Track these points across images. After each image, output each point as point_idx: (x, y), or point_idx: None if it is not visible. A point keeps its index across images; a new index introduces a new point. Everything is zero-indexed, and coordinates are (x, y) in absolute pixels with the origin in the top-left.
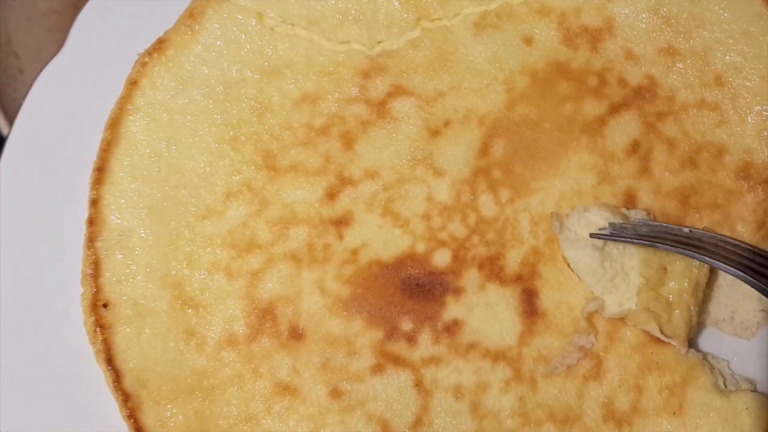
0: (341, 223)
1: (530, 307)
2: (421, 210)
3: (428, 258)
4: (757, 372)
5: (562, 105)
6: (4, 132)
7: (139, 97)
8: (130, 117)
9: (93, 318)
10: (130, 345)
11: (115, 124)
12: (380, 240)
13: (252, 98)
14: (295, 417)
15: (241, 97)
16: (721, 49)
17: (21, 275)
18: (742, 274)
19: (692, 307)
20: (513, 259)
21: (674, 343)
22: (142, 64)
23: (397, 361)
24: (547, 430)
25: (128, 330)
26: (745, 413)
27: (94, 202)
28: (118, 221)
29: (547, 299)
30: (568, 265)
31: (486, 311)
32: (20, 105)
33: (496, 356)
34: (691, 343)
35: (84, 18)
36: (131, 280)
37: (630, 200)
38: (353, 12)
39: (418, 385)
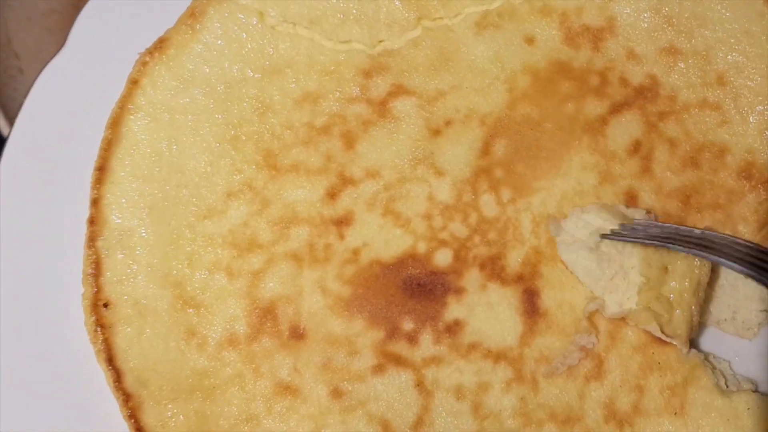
0: (342, 222)
1: (531, 307)
2: (423, 210)
3: (429, 258)
4: (759, 372)
5: (564, 104)
6: (5, 132)
7: (140, 97)
8: (131, 116)
9: (94, 318)
10: (130, 345)
11: (116, 123)
12: (381, 240)
13: (253, 97)
14: (296, 417)
15: (242, 96)
16: (723, 48)
17: (21, 275)
18: (756, 275)
19: (693, 307)
20: (514, 259)
21: (675, 343)
22: (143, 64)
23: (398, 361)
24: (549, 430)
25: (129, 330)
26: (747, 414)
27: (95, 202)
28: (119, 221)
29: (548, 299)
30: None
31: (487, 311)
32: (20, 105)
33: (498, 356)
34: (693, 343)
35: (84, 18)
36: (132, 280)
37: (631, 200)
38: (354, 11)
39: (419, 385)
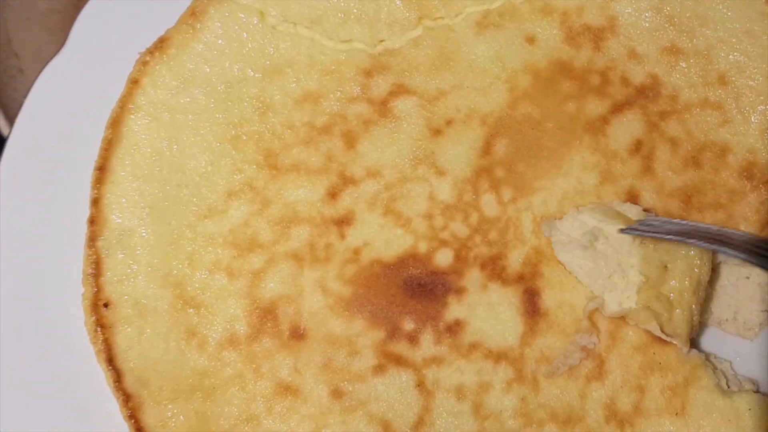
0: (343, 222)
1: (532, 307)
2: (423, 209)
3: (430, 258)
4: (760, 372)
5: (565, 104)
6: (5, 132)
7: (140, 96)
8: (132, 116)
9: (94, 318)
10: (131, 345)
11: (116, 123)
12: (382, 239)
13: (254, 97)
14: (297, 417)
15: (242, 96)
16: (724, 48)
17: (21, 275)
18: None
19: (694, 306)
20: (515, 259)
21: (675, 342)
22: (143, 63)
23: (399, 361)
24: (549, 430)
25: (129, 330)
26: (748, 414)
27: (96, 202)
28: (120, 220)
29: (548, 299)
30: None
31: (488, 311)
32: (20, 105)
33: (498, 356)
34: (694, 343)
35: (84, 17)
36: (132, 280)
37: (632, 200)
38: (355, 11)
39: (420, 385)
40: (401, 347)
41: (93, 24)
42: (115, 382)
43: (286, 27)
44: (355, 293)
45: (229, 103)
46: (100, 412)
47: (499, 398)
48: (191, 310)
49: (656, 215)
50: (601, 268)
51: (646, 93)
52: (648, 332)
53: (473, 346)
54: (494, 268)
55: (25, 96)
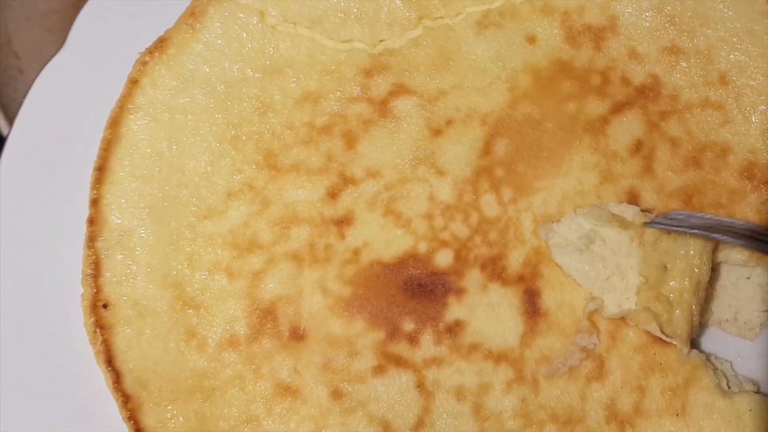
0: (343, 222)
1: (532, 307)
2: (423, 210)
3: (430, 258)
4: (761, 373)
5: (565, 104)
6: (4, 132)
7: (139, 96)
8: (131, 116)
9: (93, 319)
10: (130, 346)
11: (115, 123)
12: (382, 240)
13: (253, 97)
14: (296, 418)
15: (242, 96)
16: (725, 47)
17: (21, 275)
18: None
19: (694, 307)
20: (515, 260)
21: (676, 343)
22: (142, 63)
23: (399, 362)
24: (550, 431)
25: (128, 330)
26: (749, 415)
27: (95, 202)
28: (119, 221)
29: (549, 299)
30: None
31: (488, 312)
32: (20, 105)
33: (498, 357)
34: (694, 343)
35: (84, 17)
36: (132, 281)
37: (633, 200)
38: (355, 11)
39: (420, 386)
40: (401, 348)
41: (93, 24)
42: (114, 383)
43: (286, 27)
44: (354, 294)
45: (229, 103)
46: (100, 412)
47: (499, 399)
48: (191, 311)
49: (657, 215)
50: (599, 270)
51: (646, 93)
52: (648, 333)
53: (473, 347)
54: (494, 269)
55: (25, 96)
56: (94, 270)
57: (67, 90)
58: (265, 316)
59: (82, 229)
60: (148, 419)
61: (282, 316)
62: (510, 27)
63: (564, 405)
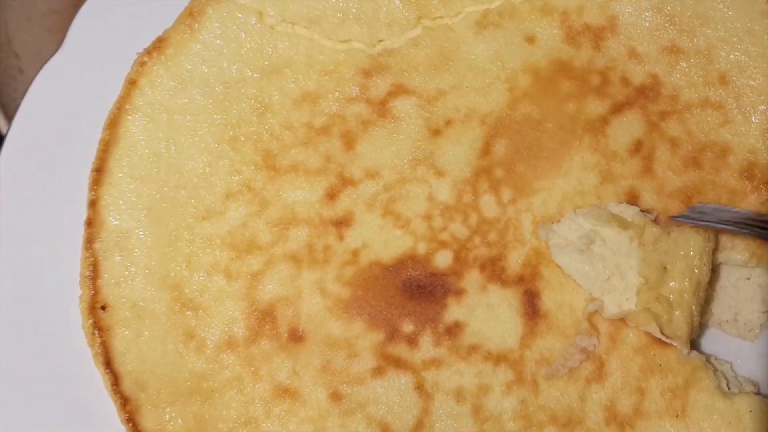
0: (342, 223)
1: (532, 308)
2: (422, 210)
3: (429, 259)
4: (761, 374)
5: (565, 104)
6: (4, 132)
7: (138, 97)
8: (129, 117)
9: (91, 320)
10: (128, 347)
11: (113, 124)
12: (381, 241)
13: (252, 98)
14: (295, 420)
15: (241, 96)
16: (725, 47)
17: (21, 275)
18: None
19: (694, 307)
20: (515, 260)
21: (675, 344)
22: (141, 64)
23: (398, 363)
24: None
25: (127, 332)
26: (749, 416)
27: (93, 203)
28: (117, 222)
29: (548, 300)
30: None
31: (487, 313)
32: (20, 105)
33: (498, 358)
34: (694, 344)
35: (83, 17)
36: (130, 282)
37: (633, 200)
38: (354, 10)
39: (419, 387)
40: (400, 349)
41: (91, 23)
42: (112, 385)
43: (285, 27)
44: (353, 295)
45: (228, 104)
46: (99, 412)
47: (499, 400)
48: (189, 313)
49: (657, 215)
50: (599, 270)
51: (646, 93)
52: (648, 334)
53: (473, 348)
54: (494, 270)
55: (24, 95)
56: (93, 272)
57: (65, 90)
58: (264, 317)
59: (81, 230)
60: (146, 421)
61: (281, 318)
62: (509, 27)
63: (564, 406)
